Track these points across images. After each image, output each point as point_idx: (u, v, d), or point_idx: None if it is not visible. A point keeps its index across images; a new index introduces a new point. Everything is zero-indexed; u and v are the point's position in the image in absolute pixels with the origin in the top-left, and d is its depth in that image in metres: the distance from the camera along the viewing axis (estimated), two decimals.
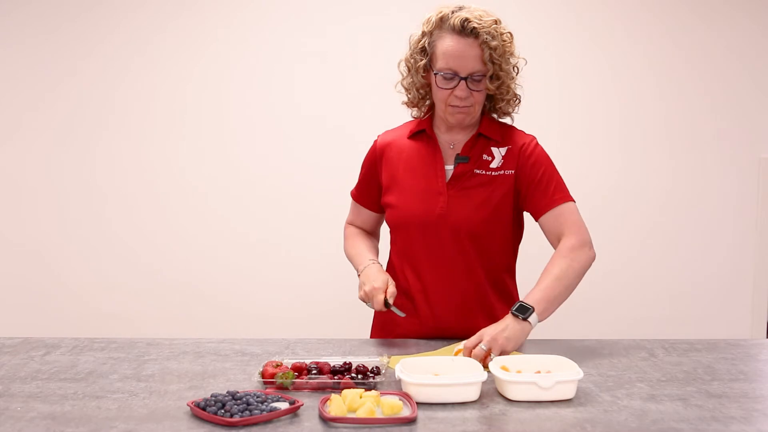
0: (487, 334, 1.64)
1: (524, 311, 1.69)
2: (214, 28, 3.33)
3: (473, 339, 1.65)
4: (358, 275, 1.91)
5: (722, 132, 3.37)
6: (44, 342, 1.83)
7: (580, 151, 3.33)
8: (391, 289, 1.81)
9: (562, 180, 1.89)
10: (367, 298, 1.82)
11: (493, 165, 1.87)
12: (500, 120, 1.95)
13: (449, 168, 1.88)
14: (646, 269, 3.40)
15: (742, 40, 3.33)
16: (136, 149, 3.37)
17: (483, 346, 1.61)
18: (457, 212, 1.84)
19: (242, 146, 3.37)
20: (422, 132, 1.93)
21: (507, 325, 1.67)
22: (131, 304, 3.38)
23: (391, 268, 1.99)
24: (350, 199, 2.11)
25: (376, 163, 1.98)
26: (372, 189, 2.01)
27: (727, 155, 3.37)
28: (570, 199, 1.87)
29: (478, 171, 1.86)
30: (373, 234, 2.11)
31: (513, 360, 1.53)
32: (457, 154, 1.88)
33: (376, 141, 2.02)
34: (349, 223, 2.12)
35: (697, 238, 3.40)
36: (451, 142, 1.90)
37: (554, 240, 1.86)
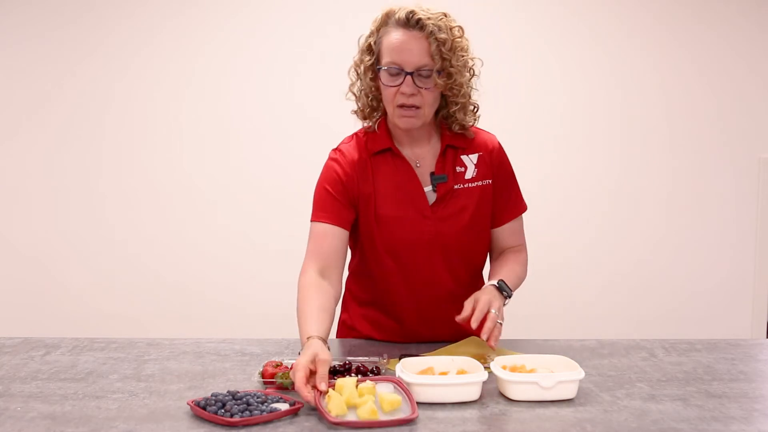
0: (494, 305, 1.66)
1: (509, 294, 1.74)
2: (214, 28, 3.33)
3: (482, 306, 1.64)
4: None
5: (722, 132, 3.37)
6: (44, 342, 1.83)
7: (580, 152, 3.34)
8: (321, 370, 1.41)
9: (517, 184, 1.90)
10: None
11: (468, 176, 1.81)
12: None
13: (428, 189, 1.79)
14: (645, 269, 3.40)
15: (742, 40, 3.33)
16: (136, 149, 3.37)
17: (494, 310, 1.64)
18: (446, 234, 1.79)
19: (242, 146, 3.36)
20: (387, 150, 1.80)
21: (496, 297, 1.70)
22: (131, 304, 3.38)
23: (364, 281, 1.91)
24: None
25: (345, 180, 1.78)
26: (343, 207, 1.78)
27: (727, 155, 3.37)
28: (524, 205, 1.91)
29: (457, 186, 1.80)
30: (337, 270, 1.76)
31: (514, 360, 1.53)
32: (433, 173, 1.79)
33: (336, 158, 1.82)
34: (307, 267, 1.74)
35: (697, 238, 3.40)
36: (416, 158, 1.80)
37: (497, 247, 1.89)
